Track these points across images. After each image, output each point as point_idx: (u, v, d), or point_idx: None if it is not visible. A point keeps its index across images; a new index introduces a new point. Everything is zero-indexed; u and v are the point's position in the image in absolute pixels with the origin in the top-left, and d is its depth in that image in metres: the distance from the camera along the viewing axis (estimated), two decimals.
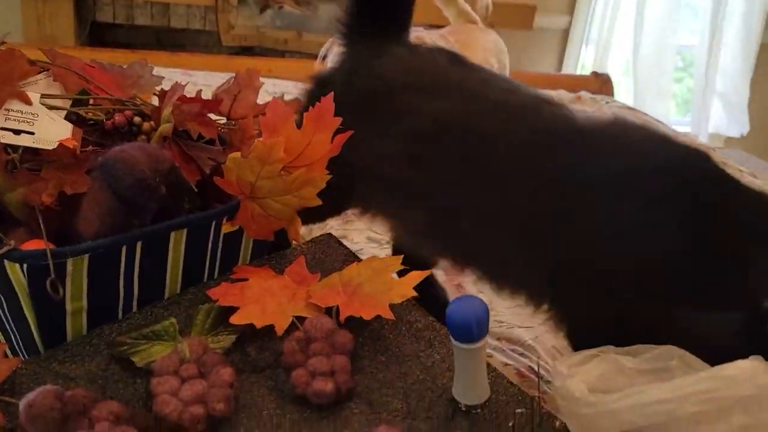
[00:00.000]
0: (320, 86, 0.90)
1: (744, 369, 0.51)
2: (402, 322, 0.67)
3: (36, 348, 0.64)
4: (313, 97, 0.86)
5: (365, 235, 1.16)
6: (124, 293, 0.67)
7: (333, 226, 1.19)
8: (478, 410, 0.58)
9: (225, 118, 0.85)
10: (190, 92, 0.79)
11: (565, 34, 2.93)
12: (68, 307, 0.63)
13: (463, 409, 0.59)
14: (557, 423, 0.56)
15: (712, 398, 0.50)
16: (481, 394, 0.58)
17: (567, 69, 2.94)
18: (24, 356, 0.66)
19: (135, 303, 0.68)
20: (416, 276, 0.67)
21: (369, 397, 0.60)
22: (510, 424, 0.52)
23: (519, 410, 0.48)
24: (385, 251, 1.11)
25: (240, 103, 0.86)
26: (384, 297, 0.65)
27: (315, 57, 2.54)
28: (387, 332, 0.66)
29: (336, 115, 0.70)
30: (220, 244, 0.74)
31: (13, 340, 0.66)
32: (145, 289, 0.68)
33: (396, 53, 0.88)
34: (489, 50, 1.37)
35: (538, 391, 0.54)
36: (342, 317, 0.64)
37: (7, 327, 0.66)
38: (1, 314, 0.65)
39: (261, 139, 0.70)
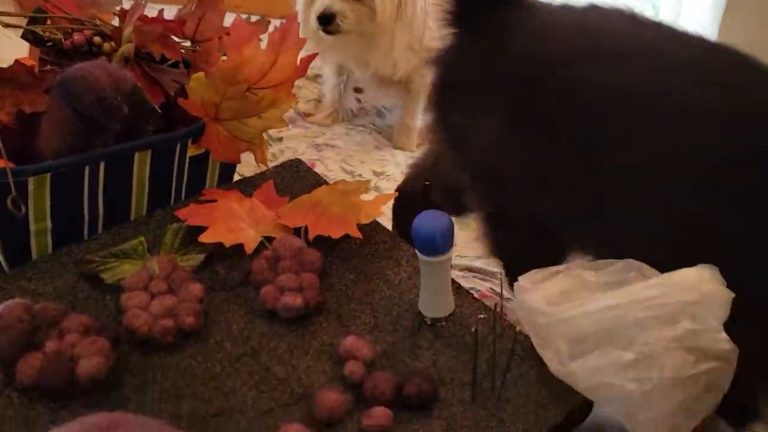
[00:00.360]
0: (447, 70, 0.72)
1: (690, 276, 0.53)
2: (370, 242, 0.68)
3: (0, 269, 0.64)
4: (443, 83, 0.72)
5: (338, 164, 1.16)
6: (89, 214, 0.66)
7: (305, 153, 1.19)
8: (443, 323, 0.60)
9: (189, 41, 0.83)
10: (151, 13, 0.77)
11: None
12: (32, 227, 0.62)
13: (428, 322, 0.60)
14: (517, 331, 0.58)
15: (659, 304, 0.52)
16: (446, 308, 0.59)
17: None
18: None
19: (101, 224, 0.68)
20: (383, 198, 0.67)
21: (338, 312, 0.61)
22: (473, 329, 0.53)
23: (481, 316, 0.50)
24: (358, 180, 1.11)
25: (204, 26, 0.84)
26: (352, 217, 0.66)
27: None
28: (355, 252, 0.67)
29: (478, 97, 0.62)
30: (186, 167, 0.73)
31: None
32: (110, 210, 0.68)
33: (538, 17, 0.68)
34: None
35: (501, 299, 0.55)
36: (310, 236, 0.65)
37: None
38: None
39: (225, 59, 0.69)
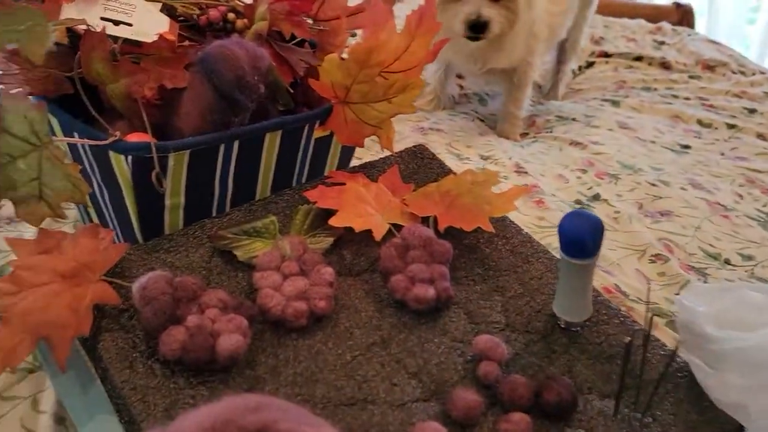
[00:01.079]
0: None
1: None
2: (498, 236, 0.66)
3: (135, 239, 0.65)
4: None
5: (444, 147, 1.14)
6: (219, 191, 0.67)
7: (410, 137, 1.17)
8: (578, 329, 0.58)
9: (311, 20, 0.83)
10: None
11: None
12: (167, 201, 0.63)
13: (563, 326, 0.58)
14: (671, 347, 0.54)
15: None
16: (584, 312, 0.57)
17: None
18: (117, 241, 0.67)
19: (228, 202, 0.69)
20: (517, 191, 0.65)
21: (467, 307, 0.59)
22: (625, 340, 0.50)
23: (627, 339, 0.47)
24: (466, 164, 1.09)
25: (329, 4, 0.83)
26: (484, 210, 0.64)
27: None
28: (483, 245, 0.65)
29: None
30: (311, 149, 0.73)
31: (112, 228, 0.67)
32: (238, 188, 0.68)
33: None
34: None
35: (649, 324, 0.52)
36: (441, 227, 0.63)
37: (107, 216, 0.67)
38: (102, 204, 0.66)
39: (359, 41, 0.68)
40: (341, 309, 0.58)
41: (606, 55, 1.71)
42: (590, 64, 1.68)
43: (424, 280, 0.59)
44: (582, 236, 0.52)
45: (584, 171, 1.13)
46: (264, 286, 0.57)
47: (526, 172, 1.10)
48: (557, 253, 0.61)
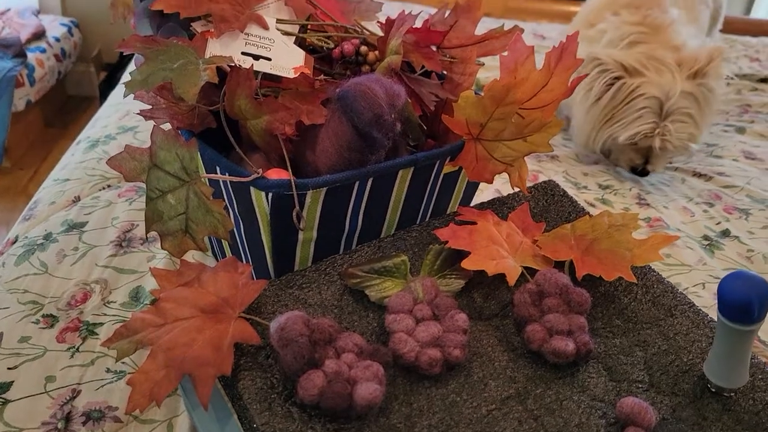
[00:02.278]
0: None
1: None
2: (637, 284, 0.63)
3: (266, 272, 0.66)
4: None
5: (561, 175, 1.11)
6: (349, 227, 0.67)
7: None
8: (732, 394, 0.54)
9: (439, 49, 0.82)
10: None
11: None
12: (300, 236, 0.64)
13: (713, 390, 0.54)
14: None
15: None
16: (740, 379, 0.53)
17: (757, 13, 2.63)
18: (254, 277, 0.68)
19: (356, 237, 0.69)
20: (662, 239, 0.61)
21: (606, 363, 0.56)
22: (760, 411, 0.46)
23: None
24: (584, 194, 1.05)
25: (456, 34, 0.82)
26: (624, 257, 0.61)
27: None
28: (621, 294, 0.62)
29: None
30: (439, 184, 0.72)
31: (244, 260, 0.69)
32: (367, 223, 0.68)
33: None
34: None
35: None
36: (579, 274, 0.61)
37: (240, 249, 0.68)
38: (237, 235, 0.67)
39: (498, 78, 0.66)
40: (474, 357, 0.57)
41: (728, 76, 1.62)
42: None
43: (562, 331, 0.56)
44: (747, 301, 0.48)
45: (711, 204, 1.07)
46: (397, 330, 0.56)
47: (648, 204, 1.05)
48: (699, 302, 0.57)
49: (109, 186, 0.92)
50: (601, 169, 1.18)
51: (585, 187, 1.09)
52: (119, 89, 1.27)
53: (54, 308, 0.72)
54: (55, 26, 2.61)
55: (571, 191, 1.05)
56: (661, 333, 0.59)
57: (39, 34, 2.50)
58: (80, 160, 0.99)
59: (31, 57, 2.37)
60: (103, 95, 2.57)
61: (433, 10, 1.92)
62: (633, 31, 1.12)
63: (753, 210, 1.05)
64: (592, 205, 1.03)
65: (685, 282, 0.87)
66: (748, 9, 2.67)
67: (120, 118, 1.10)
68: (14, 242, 0.83)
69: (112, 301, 0.73)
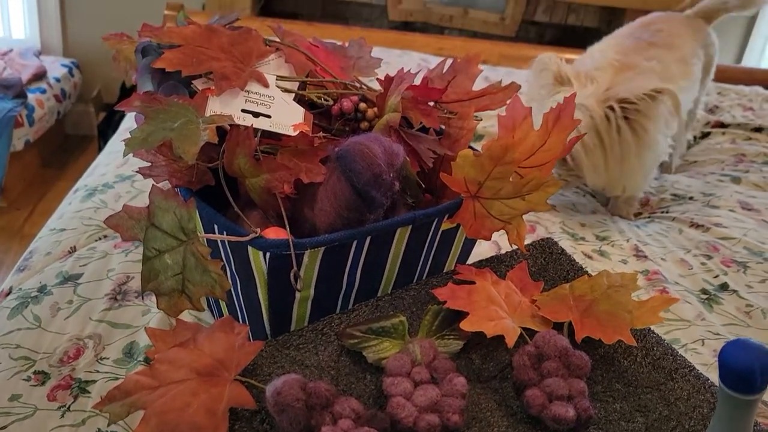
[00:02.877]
0: None
1: None
2: (637, 347, 0.62)
3: (262, 329, 0.66)
4: None
5: (559, 226, 1.11)
6: (346, 285, 0.66)
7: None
8: None
9: (437, 104, 0.82)
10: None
11: (751, 22, 2.66)
12: (297, 294, 0.64)
13: None
14: None
15: None
16: None
17: (748, 62, 2.68)
18: (250, 338, 0.67)
19: (353, 296, 0.68)
20: (662, 301, 0.61)
21: (607, 429, 0.56)
22: None
23: None
24: (582, 245, 1.05)
25: (454, 89, 0.83)
26: (624, 320, 0.61)
27: (477, 35, 2.49)
28: (621, 357, 0.62)
29: None
30: (437, 242, 0.72)
31: (240, 318, 0.68)
32: (364, 281, 0.68)
33: None
34: (697, 41, 1.25)
35: None
36: (578, 337, 0.60)
37: (236, 306, 0.68)
38: (233, 293, 0.67)
39: (495, 139, 0.67)
40: (473, 422, 0.56)
41: (722, 125, 1.64)
42: (705, 135, 1.61)
43: (562, 396, 0.56)
44: (750, 370, 0.47)
45: (709, 257, 1.07)
46: (395, 393, 0.55)
47: (645, 256, 1.05)
48: (699, 365, 0.57)
49: (105, 236, 0.92)
50: (598, 219, 1.18)
51: (582, 239, 1.09)
52: (118, 137, 1.27)
53: (46, 364, 0.70)
54: (56, 67, 2.64)
55: (568, 243, 1.05)
56: (662, 398, 0.58)
57: (40, 75, 2.52)
58: (77, 209, 0.99)
59: (32, 98, 2.39)
60: (102, 135, 2.58)
61: (429, 57, 1.95)
62: (606, 62, 1.14)
63: (751, 263, 1.05)
64: (590, 257, 1.03)
65: (684, 338, 0.86)
66: (739, 57, 2.72)
67: (118, 167, 1.10)
68: (8, 294, 0.82)
69: (105, 358, 0.72)
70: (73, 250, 0.89)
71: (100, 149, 2.59)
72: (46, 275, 0.84)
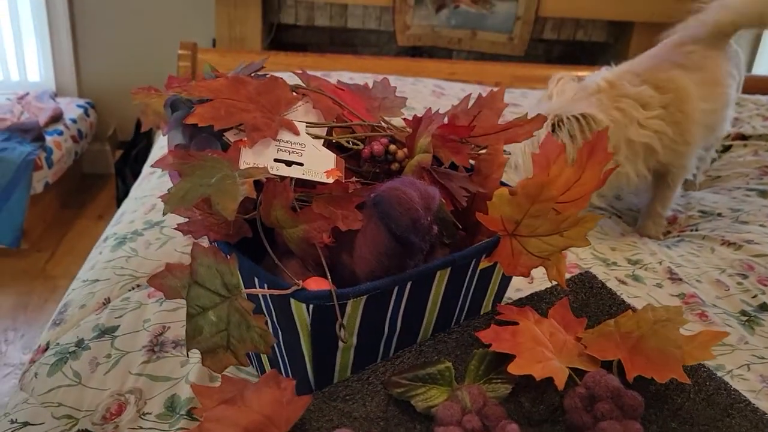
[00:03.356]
0: None
1: None
2: (689, 383, 0.61)
3: (306, 379, 0.65)
4: None
5: (589, 252, 1.10)
6: (388, 331, 0.66)
7: None
8: None
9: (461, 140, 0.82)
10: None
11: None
12: (341, 344, 0.63)
13: None
14: None
15: None
16: None
17: (759, 69, 2.67)
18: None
19: (395, 341, 0.68)
20: (712, 336, 0.60)
21: None
22: None
23: None
24: (614, 271, 1.04)
25: (480, 123, 0.83)
26: (675, 356, 0.60)
27: (485, 56, 2.50)
28: (673, 393, 0.60)
29: None
30: (475, 281, 0.71)
31: (282, 369, 0.68)
32: (406, 326, 0.67)
33: None
34: (728, 60, 1.24)
35: None
36: (629, 376, 0.59)
37: (279, 359, 0.67)
38: (275, 346, 0.66)
39: (530, 177, 0.66)
40: None
41: (743, 137, 1.62)
42: (727, 148, 1.60)
43: None
44: None
45: (744, 276, 1.06)
46: None
47: (680, 279, 1.04)
48: (747, 392, 0.55)
49: (138, 286, 0.92)
50: (627, 242, 1.17)
51: (614, 263, 1.08)
52: (143, 182, 1.28)
53: (89, 422, 0.70)
54: (71, 108, 2.67)
55: (600, 269, 1.04)
56: None
57: (57, 117, 2.56)
58: (108, 258, 0.99)
59: (49, 140, 2.42)
60: (119, 173, 2.60)
61: (442, 83, 1.96)
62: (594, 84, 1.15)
63: None
64: (624, 283, 1.02)
65: (729, 363, 0.85)
66: (750, 66, 2.71)
67: (146, 213, 1.11)
68: (46, 349, 0.82)
69: (147, 413, 0.72)
70: (108, 301, 0.89)
71: (117, 187, 2.62)
72: (83, 329, 0.84)
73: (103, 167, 2.93)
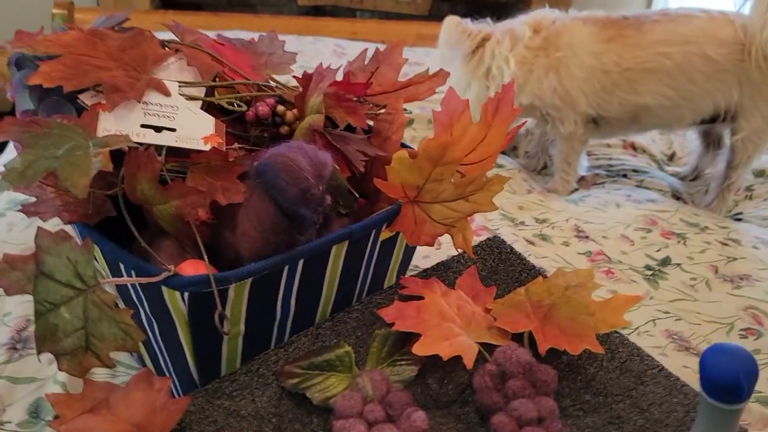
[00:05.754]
0: None
1: None
2: (603, 351, 0.58)
3: (189, 374, 0.58)
4: None
5: (497, 212, 1.06)
6: (281, 315, 0.59)
7: None
8: None
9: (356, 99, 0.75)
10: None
11: None
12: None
13: None
14: None
15: None
16: None
17: None
18: (177, 385, 0.59)
19: (289, 325, 0.61)
20: (626, 300, 0.57)
21: None
22: None
23: None
24: (522, 231, 1.01)
25: (378, 81, 0.76)
26: (588, 324, 0.56)
27: (390, 16, 2.42)
28: (585, 363, 0.57)
29: None
30: (376, 254, 0.65)
31: (164, 366, 0.60)
32: (300, 308, 0.60)
33: None
34: None
35: None
36: (541, 349, 0.55)
37: (158, 353, 0.59)
38: (151, 338, 0.58)
39: (432, 138, 0.60)
40: None
41: None
42: None
43: (531, 420, 0.51)
44: (735, 379, 0.43)
45: (648, 230, 1.05)
46: None
47: (587, 237, 1.02)
48: (653, 348, 0.53)
49: None
50: (534, 200, 1.14)
51: (522, 223, 1.05)
52: (4, 156, 1.14)
53: None
54: None
55: (509, 230, 1.01)
56: (635, 405, 0.54)
57: None
58: None
59: None
60: None
61: (343, 42, 1.87)
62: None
63: (689, 233, 1.04)
64: (532, 243, 0.99)
65: (636, 320, 0.83)
66: None
67: (8, 191, 0.98)
68: None
69: (6, 422, 0.62)
70: None
71: None
72: None
73: None
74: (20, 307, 0.75)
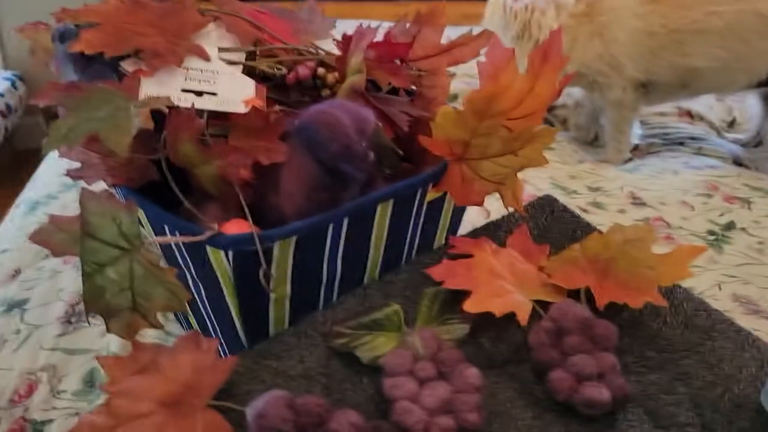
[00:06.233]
0: None
1: None
2: (665, 306, 0.55)
3: (237, 339, 0.57)
4: None
5: (548, 181, 1.03)
6: (327, 276, 0.58)
7: None
8: None
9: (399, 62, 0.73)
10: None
11: None
12: (271, 294, 0.55)
13: None
14: None
15: None
16: None
17: None
18: (224, 346, 0.59)
19: (336, 286, 0.60)
20: (689, 252, 0.54)
21: (647, 406, 0.48)
22: None
23: None
24: (575, 199, 0.98)
25: (420, 45, 0.74)
26: (649, 278, 0.53)
27: None
28: (647, 319, 0.54)
29: None
30: (423, 214, 0.63)
31: (210, 328, 0.60)
32: (347, 269, 0.59)
33: None
34: None
35: None
36: (599, 304, 0.52)
37: (204, 314, 0.59)
38: (198, 301, 0.58)
39: (477, 88, 0.58)
40: (493, 417, 0.48)
41: None
42: None
43: (591, 375, 0.48)
44: None
45: (709, 196, 1.00)
46: (398, 397, 0.47)
47: (644, 203, 0.98)
48: (718, 305, 0.50)
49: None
50: (586, 169, 1.11)
51: (575, 192, 1.01)
52: None
53: None
54: None
55: (561, 198, 0.97)
56: (703, 361, 0.50)
57: None
58: (19, 226, 0.88)
59: None
60: None
61: (389, 25, 1.85)
62: None
63: (754, 197, 0.99)
64: (586, 211, 0.96)
65: (699, 285, 0.79)
66: None
67: (60, 174, 1.00)
68: None
69: (62, 391, 0.63)
70: (18, 272, 0.79)
71: None
72: None
73: (37, 141, 2.75)
74: (75, 281, 0.77)
